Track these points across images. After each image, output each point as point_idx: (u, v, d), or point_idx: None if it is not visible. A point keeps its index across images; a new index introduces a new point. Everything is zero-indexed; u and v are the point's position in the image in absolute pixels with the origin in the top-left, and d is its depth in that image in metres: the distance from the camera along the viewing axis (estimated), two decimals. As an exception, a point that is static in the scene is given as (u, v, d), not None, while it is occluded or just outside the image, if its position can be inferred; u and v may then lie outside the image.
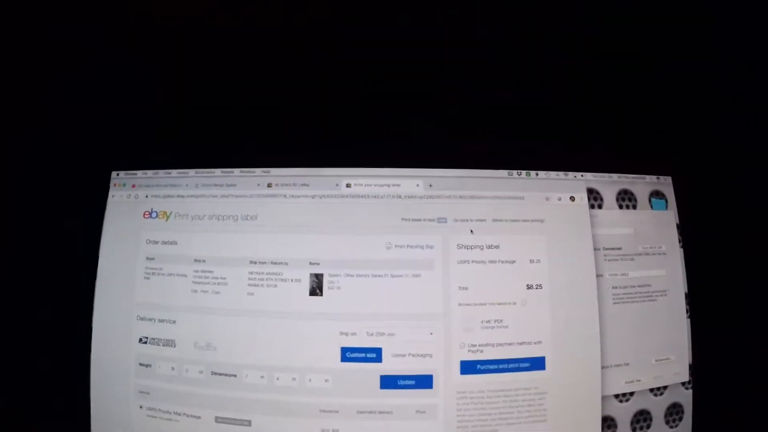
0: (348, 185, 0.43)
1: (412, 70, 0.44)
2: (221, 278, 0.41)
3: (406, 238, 0.41)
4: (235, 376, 0.40)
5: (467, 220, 0.42)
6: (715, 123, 0.45)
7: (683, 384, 0.43)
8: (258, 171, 0.43)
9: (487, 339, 0.40)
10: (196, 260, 0.42)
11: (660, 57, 0.43)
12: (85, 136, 0.46)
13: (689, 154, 0.45)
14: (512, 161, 0.44)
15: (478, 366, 0.40)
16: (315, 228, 0.42)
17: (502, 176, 0.44)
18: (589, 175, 0.44)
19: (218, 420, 0.40)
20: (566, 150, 0.45)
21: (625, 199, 0.44)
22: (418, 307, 0.40)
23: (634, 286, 0.43)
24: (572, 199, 0.43)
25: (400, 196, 0.42)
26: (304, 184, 0.43)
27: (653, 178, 0.45)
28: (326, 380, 0.39)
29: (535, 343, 0.40)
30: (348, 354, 0.40)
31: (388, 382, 0.39)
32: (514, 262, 0.41)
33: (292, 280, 0.41)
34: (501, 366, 0.40)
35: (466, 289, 0.41)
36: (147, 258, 0.43)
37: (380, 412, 0.39)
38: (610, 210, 0.44)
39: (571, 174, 0.44)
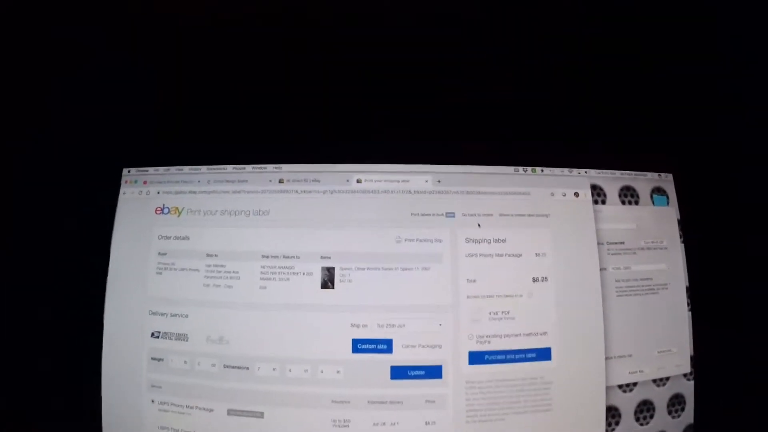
0: (358, 181, 0.43)
1: (412, 70, 0.45)
2: (234, 272, 0.42)
3: (416, 232, 0.42)
4: (247, 368, 0.41)
5: (475, 215, 0.43)
6: (715, 122, 0.46)
7: (685, 375, 0.44)
8: (270, 167, 0.44)
9: (494, 330, 0.41)
10: (208, 255, 0.42)
11: (660, 57, 0.44)
12: (95, 134, 0.47)
13: (690, 152, 0.46)
14: (518, 158, 0.45)
15: (486, 356, 0.41)
16: (326, 222, 0.42)
17: (508, 173, 0.45)
18: (592, 172, 0.45)
19: (230, 412, 0.40)
20: (569, 148, 0.46)
21: (628, 195, 0.45)
22: (428, 300, 0.41)
23: (637, 280, 0.44)
24: (576, 195, 0.44)
25: (409, 192, 0.43)
26: (315, 180, 0.43)
27: (655, 175, 0.46)
28: (338, 371, 0.40)
29: (540, 334, 0.41)
30: (359, 345, 0.40)
31: (399, 372, 0.40)
32: (520, 255, 0.42)
33: (304, 274, 0.41)
34: (508, 356, 0.41)
35: (474, 281, 0.42)
36: (159, 253, 0.43)
37: (391, 402, 0.40)
38: (613, 206, 0.45)
39: (575, 171, 0.45)
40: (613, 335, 0.42)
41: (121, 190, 0.45)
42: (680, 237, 0.45)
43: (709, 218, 0.46)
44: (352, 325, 0.41)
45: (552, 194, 0.44)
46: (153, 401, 0.42)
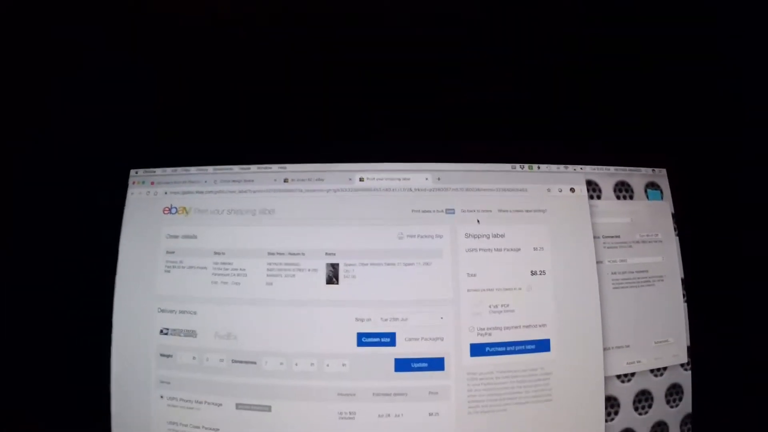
0: (361, 179, 0.45)
1: (412, 70, 0.45)
2: (241, 270, 0.43)
3: (417, 228, 0.43)
4: (255, 363, 0.41)
5: (474, 211, 0.44)
6: (707, 118, 0.47)
7: (682, 365, 0.45)
8: (274, 167, 0.45)
9: (494, 323, 0.42)
10: (215, 253, 0.43)
11: (659, 57, 0.44)
12: (103, 136, 0.47)
13: (683, 147, 0.47)
14: (515, 156, 0.46)
15: (487, 348, 0.42)
16: (330, 220, 0.43)
17: (506, 170, 0.46)
18: (588, 168, 0.46)
19: (239, 407, 0.41)
20: (565, 146, 0.47)
21: (623, 190, 0.47)
22: (430, 294, 0.42)
23: (633, 272, 0.45)
24: (572, 190, 0.46)
25: (410, 189, 0.44)
26: (319, 179, 0.45)
27: (649, 170, 0.47)
28: (343, 364, 0.41)
29: (539, 326, 0.42)
30: (364, 339, 0.41)
31: (402, 365, 0.41)
32: (518, 250, 0.44)
33: (309, 270, 0.42)
34: (508, 348, 0.42)
35: (474, 275, 0.43)
36: (167, 252, 0.44)
37: (395, 394, 0.41)
38: (609, 200, 0.46)
39: (571, 167, 0.46)
40: (611, 326, 0.43)
41: (129, 191, 0.46)
42: (674, 230, 0.46)
43: (702, 211, 0.47)
44: (357, 320, 0.42)
45: (549, 190, 0.45)
46: (162, 397, 0.42)
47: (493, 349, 0.42)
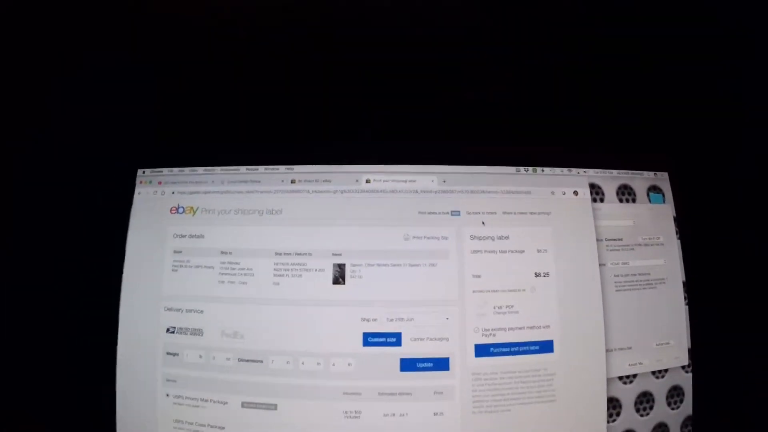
0: (368, 181, 0.45)
1: (413, 70, 0.45)
2: (248, 269, 0.43)
3: (423, 229, 0.44)
4: (261, 362, 0.42)
5: (479, 213, 0.45)
6: (708, 121, 0.47)
7: (683, 367, 0.45)
8: (282, 168, 0.46)
9: (499, 323, 0.42)
10: (222, 252, 0.44)
11: (660, 57, 0.44)
12: (110, 135, 0.48)
13: (684, 151, 0.48)
14: (519, 159, 0.46)
15: (491, 349, 0.42)
16: (337, 221, 0.44)
17: (511, 172, 0.46)
18: (591, 171, 0.47)
19: (245, 405, 0.42)
20: (569, 149, 0.47)
21: (625, 193, 0.47)
22: (435, 294, 0.43)
23: (635, 275, 0.45)
24: (576, 193, 0.46)
25: (416, 191, 0.45)
26: (326, 180, 0.45)
27: (651, 173, 0.48)
28: (349, 364, 0.41)
29: (543, 327, 0.43)
30: (369, 339, 0.42)
31: (408, 364, 0.41)
32: (523, 251, 0.44)
33: (316, 270, 0.43)
34: (512, 349, 0.42)
35: (479, 276, 0.43)
36: (174, 251, 0.44)
37: (400, 394, 0.41)
38: (611, 203, 0.47)
39: (574, 170, 0.47)
40: (613, 328, 0.44)
41: (136, 191, 0.46)
42: (676, 233, 0.47)
43: (703, 215, 0.47)
44: (363, 320, 0.42)
45: (552, 193, 0.46)
46: (168, 395, 0.43)
47: (497, 350, 0.42)
